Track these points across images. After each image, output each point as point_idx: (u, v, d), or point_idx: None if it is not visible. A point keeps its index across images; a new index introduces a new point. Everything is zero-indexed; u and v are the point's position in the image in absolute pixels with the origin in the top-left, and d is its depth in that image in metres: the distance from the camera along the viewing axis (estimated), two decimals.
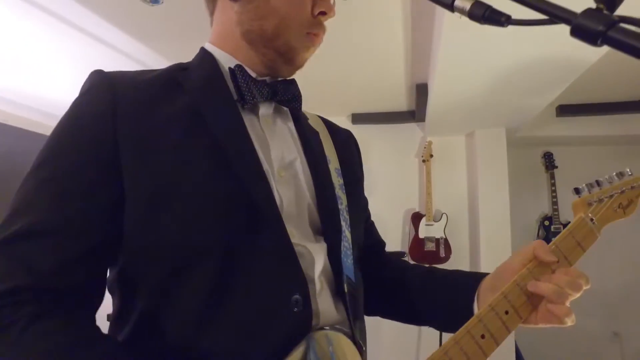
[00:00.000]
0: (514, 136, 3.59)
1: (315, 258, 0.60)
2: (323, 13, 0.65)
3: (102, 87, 0.60)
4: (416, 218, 3.55)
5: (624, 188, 0.79)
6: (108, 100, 0.58)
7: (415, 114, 3.54)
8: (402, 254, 2.98)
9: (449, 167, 3.66)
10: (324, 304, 0.60)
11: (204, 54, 0.69)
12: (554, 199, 3.89)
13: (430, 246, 3.45)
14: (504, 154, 3.41)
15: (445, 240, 3.47)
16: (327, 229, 0.64)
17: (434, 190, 3.54)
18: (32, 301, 0.49)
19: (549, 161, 3.99)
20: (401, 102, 3.47)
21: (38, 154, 0.58)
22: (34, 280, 0.49)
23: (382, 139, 3.75)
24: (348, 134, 0.87)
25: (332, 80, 2.91)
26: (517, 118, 3.14)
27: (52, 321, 0.49)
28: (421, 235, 3.48)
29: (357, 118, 3.72)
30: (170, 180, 0.55)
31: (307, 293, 0.56)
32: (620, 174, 0.80)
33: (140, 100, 0.59)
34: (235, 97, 0.63)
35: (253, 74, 0.66)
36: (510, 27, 1.28)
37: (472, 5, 0.40)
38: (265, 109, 0.66)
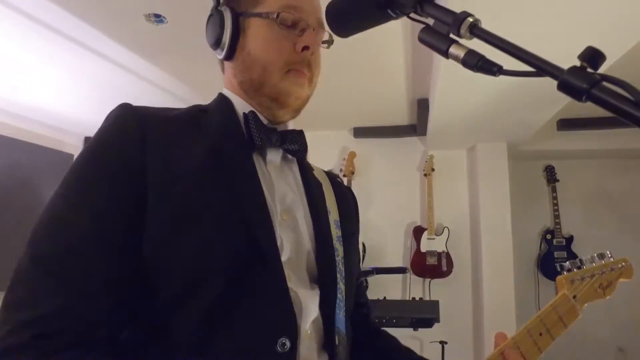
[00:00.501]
0: (515, 150, 3.61)
1: (309, 305, 0.62)
2: (306, 48, 0.67)
3: (129, 118, 0.63)
4: (418, 232, 3.56)
5: (604, 270, 0.84)
6: (136, 131, 0.60)
7: (416, 128, 3.56)
8: (403, 269, 2.98)
9: (451, 181, 3.67)
10: (311, 353, 0.61)
11: (222, 99, 0.74)
12: (556, 213, 3.89)
13: (432, 260, 3.45)
14: (505, 167, 3.43)
15: (447, 254, 3.47)
16: (323, 279, 0.66)
17: (435, 204, 3.54)
18: (64, 330, 0.50)
19: (550, 174, 4.00)
20: (403, 116, 3.50)
21: (66, 177, 0.59)
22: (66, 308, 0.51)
23: (384, 153, 3.77)
24: (348, 189, 0.90)
25: (335, 94, 2.94)
26: (518, 132, 3.16)
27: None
28: (423, 249, 3.48)
29: (359, 132, 3.75)
30: (188, 212, 0.57)
31: (295, 338, 0.57)
32: (601, 255, 0.85)
33: (165, 135, 0.62)
34: (248, 141, 0.67)
35: (265, 121, 0.70)
36: (515, 40, 1.30)
37: (465, 54, 0.42)
38: (273, 155, 0.70)
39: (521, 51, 0.39)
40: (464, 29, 0.41)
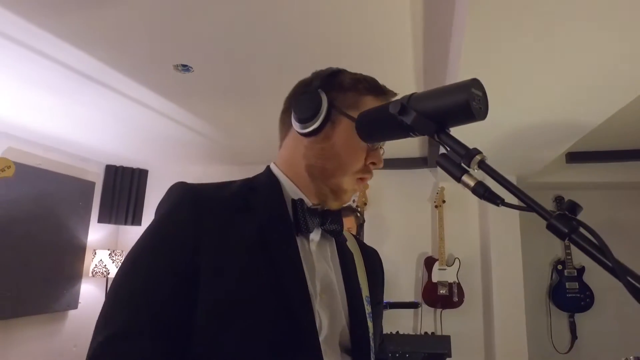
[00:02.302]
0: (524, 182, 3.67)
1: None
2: (374, 163, 0.77)
3: (186, 206, 0.70)
4: (429, 262, 3.62)
5: None
6: (192, 223, 0.68)
7: (427, 160, 3.65)
8: (416, 304, 3.03)
9: (461, 212, 3.73)
10: None
11: (271, 177, 0.80)
12: (567, 243, 3.91)
13: (443, 290, 3.50)
14: (514, 199, 3.49)
15: (458, 284, 3.52)
16: (356, 353, 0.73)
17: (446, 235, 3.61)
18: None
19: (560, 205, 4.04)
20: (414, 148, 3.59)
21: (128, 257, 0.69)
22: None
23: (396, 184, 3.86)
24: (375, 253, 0.98)
25: None
26: (527, 167, 3.25)
27: None
28: (434, 279, 3.54)
29: None
30: (236, 297, 0.64)
31: None
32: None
33: (218, 219, 0.69)
34: (293, 225, 0.74)
35: (309, 203, 0.77)
36: (520, 95, 1.43)
37: (475, 184, 0.52)
38: (314, 234, 0.77)
39: (518, 190, 0.49)
40: (474, 164, 0.52)
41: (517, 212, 3.49)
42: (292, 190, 0.78)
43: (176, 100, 2.62)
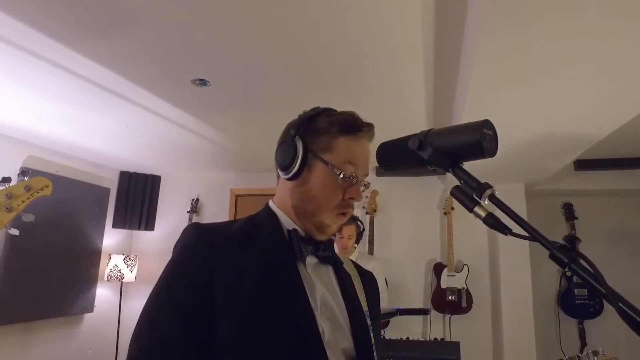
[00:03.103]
0: (532, 189, 3.71)
1: None
2: (352, 198, 0.85)
3: (202, 242, 0.80)
4: (438, 268, 3.66)
5: None
6: (208, 254, 0.78)
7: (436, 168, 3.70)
8: (425, 311, 3.09)
9: (470, 219, 3.69)
10: None
11: (270, 214, 0.91)
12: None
13: (452, 296, 3.54)
14: (523, 206, 3.53)
15: (467, 290, 3.56)
16: (361, 358, 0.81)
17: (455, 241, 3.66)
18: None
19: (568, 212, 4.06)
20: None
21: (156, 284, 0.79)
22: None
23: (405, 192, 3.92)
24: (370, 274, 1.07)
25: None
26: (535, 176, 3.29)
27: None
28: (443, 285, 3.59)
29: (381, 170, 3.91)
30: (248, 314, 0.74)
31: None
32: (595, 352, 0.94)
33: (229, 253, 0.79)
34: (292, 252, 0.84)
35: (302, 233, 0.87)
36: (527, 109, 1.50)
37: (486, 215, 0.58)
38: (310, 259, 0.87)
39: (523, 222, 0.55)
40: (484, 197, 0.58)
41: (525, 219, 3.53)
42: (287, 222, 0.88)
43: (192, 112, 2.71)
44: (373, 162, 0.82)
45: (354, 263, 1.03)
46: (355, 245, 2.99)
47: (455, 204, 3.71)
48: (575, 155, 2.70)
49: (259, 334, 0.74)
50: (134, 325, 0.76)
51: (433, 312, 3.59)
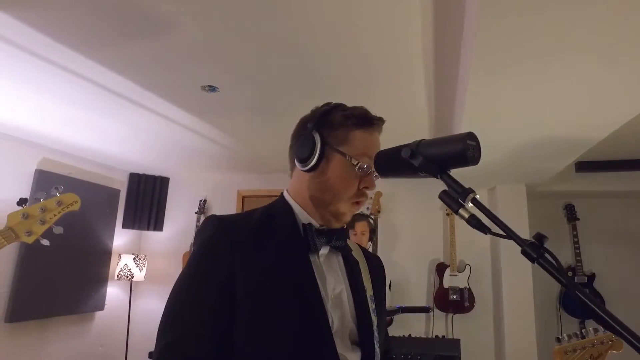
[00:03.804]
0: (534, 190, 3.77)
1: None
2: (366, 187, 0.91)
3: (222, 235, 0.85)
4: (441, 268, 3.74)
5: (595, 342, 0.96)
6: (229, 246, 0.83)
7: None
8: (427, 309, 3.17)
9: None
10: None
11: (285, 206, 0.95)
12: (577, 250, 3.98)
13: (454, 296, 3.61)
14: (524, 207, 3.59)
15: (469, 290, 3.63)
16: (364, 344, 0.89)
17: (457, 242, 3.73)
18: None
19: (570, 213, 4.11)
20: None
21: (179, 279, 0.85)
22: None
23: (409, 192, 4.00)
24: (377, 259, 1.13)
25: None
26: (536, 177, 3.34)
27: None
28: (446, 285, 3.66)
29: None
30: (265, 305, 0.80)
31: None
32: (595, 330, 0.98)
33: (247, 245, 0.84)
34: (305, 244, 0.89)
35: (317, 225, 0.92)
36: (524, 113, 1.57)
37: (469, 216, 0.67)
38: (323, 250, 0.92)
39: (499, 222, 0.63)
40: (468, 200, 0.66)
41: (526, 220, 3.59)
42: (302, 215, 0.93)
43: (201, 116, 2.80)
44: None
45: (362, 248, 1.09)
46: (370, 242, 2.97)
47: None
48: (575, 156, 2.76)
49: (273, 325, 0.79)
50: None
51: (436, 311, 3.66)
